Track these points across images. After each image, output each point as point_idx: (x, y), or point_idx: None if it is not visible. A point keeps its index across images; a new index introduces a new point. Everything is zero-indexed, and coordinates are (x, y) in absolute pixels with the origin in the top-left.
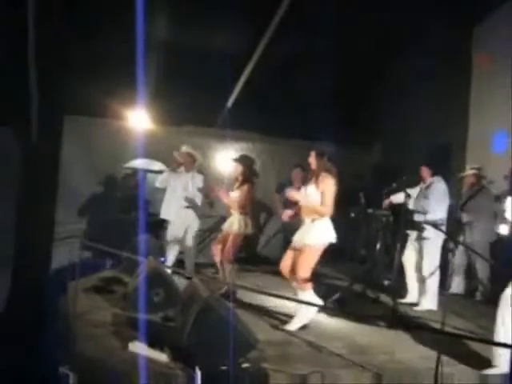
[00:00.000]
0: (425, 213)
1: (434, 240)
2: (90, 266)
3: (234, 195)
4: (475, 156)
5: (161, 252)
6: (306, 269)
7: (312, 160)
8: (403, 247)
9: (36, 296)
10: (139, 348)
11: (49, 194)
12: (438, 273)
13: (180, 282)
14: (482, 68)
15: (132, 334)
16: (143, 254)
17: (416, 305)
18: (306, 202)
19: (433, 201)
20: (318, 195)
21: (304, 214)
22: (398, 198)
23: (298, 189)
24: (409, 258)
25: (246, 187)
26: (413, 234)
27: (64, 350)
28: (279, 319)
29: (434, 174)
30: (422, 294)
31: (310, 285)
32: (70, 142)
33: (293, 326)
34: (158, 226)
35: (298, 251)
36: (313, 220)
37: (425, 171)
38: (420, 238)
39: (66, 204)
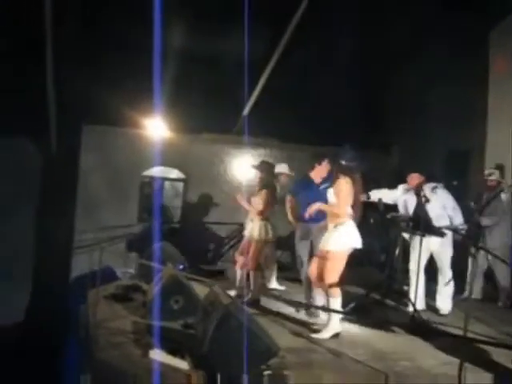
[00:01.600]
0: (443, 219)
1: (448, 244)
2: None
3: (255, 201)
4: (494, 161)
5: (179, 259)
6: (332, 275)
7: (327, 164)
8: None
9: (57, 304)
10: (160, 356)
11: (68, 202)
12: (451, 276)
13: (199, 290)
14: (500, 72)
15: (152, 341)
16: (161, 262)
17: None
18: (326, 207)
19: (448, 207)
20: (333, 198)
21: (328, 219)
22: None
23: (319, 185)
24: (423, 263)
25: (265, 193)
26: (426, 239)
27: (85, 358)
28: (302, 325)
29: (428, 180)
30: (439, 298)
31: (339, 291)
32: (88, 151)
33: (326, 334)
34: (175, 234)
35: (323, 258)
36: (335, 225)
37: (415, 178)
38: (433, 243)
39: (86, 212)
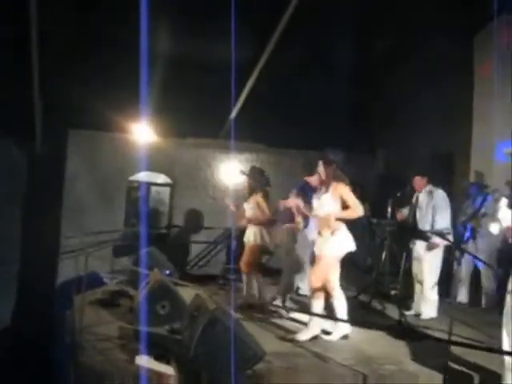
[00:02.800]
0: (428, 222)
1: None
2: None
3: (248, 208)
4: (479, 164)
5: (166, 264)
6: (317, 278)
7: (321, 169)
8: (409, 257)
9: (42, 309)
10: (146, 361)
11: (54, 207)
12: (436, 281)
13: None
14: (483, 77)
15: (138, 347)
16: (148, 267)
17: (419, 314)
18: (336, 214)
19: (436, 209)
20: (335, 203)
21: (321, 226)
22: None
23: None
24: (412, 267)
25: (257, 199)
26: (414, 244)
27: (71, 364)
28: (287, 330)
29: (428, 183)
30: (423, 303)
31: (321, 294)
32: (74, 155)
33: (304, 336)
34: (162, 239)
35: (321, 263)
36: (332, 232)
37: (418, 181)
38: (421, 247)
39: (72, 217)
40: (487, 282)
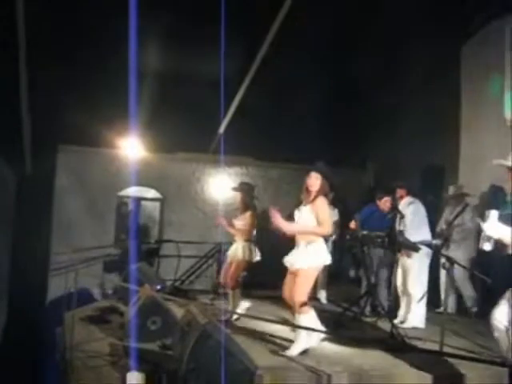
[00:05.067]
0: (411, 233)
1: (419, 259)
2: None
3: (238, 223)
4: (467, 175)
5: (157, 280)
6: (301, 292)
7: (312, 181)
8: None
9: (32, 327)
10: (137, 378)
11: (43, 223)
12: (424, 291)
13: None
14: (472, 89)
15: (130, 363)
16: (138, 283)
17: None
18: (300, 228)
19: (415, 220)
20: (312, 217)
21: (298, 236)
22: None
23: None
24: (398, 277)
25: (248, 215)
26: (400, 255)
27: (61, 381)
28: (279, 345)
29: (408, 194)
30: (409, 313)
31: (307, 308)
32: (63, 171)
33: (293, 351)
34: (152, 254)
35: (293, 275)
36: (308, 243)
37: (399, 192)
38: (406, 258)
39: (61, 234)
40: (465, 289)
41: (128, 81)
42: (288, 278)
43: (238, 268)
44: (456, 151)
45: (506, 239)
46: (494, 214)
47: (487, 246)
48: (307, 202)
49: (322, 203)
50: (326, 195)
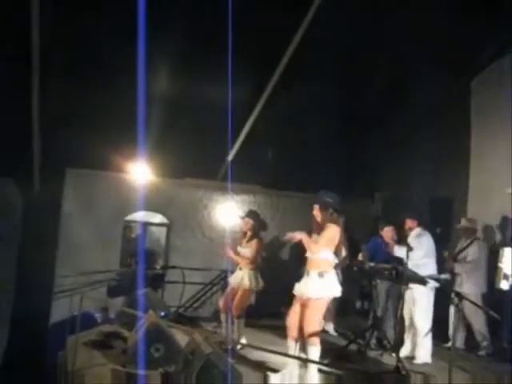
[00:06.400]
0: (419, 266)
1: (427, 292)
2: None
3: (244, 251)
4: (476, 208)
5: (162, 306)
6: (314, 323)
7: (316, 213)
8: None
9: (35, 350)
10: None
11: (49, 246)
12: (430, 325)
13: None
14: (482, 119)
15: None
16: (143, 309)
17: (412, 358)
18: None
19: (423, 253)
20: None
21: (310, 266)
22: (399, 251)
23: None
24: (405, 311)
25: (255, 243)
26: (406, 288)
27: None
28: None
29: (418, 226)
30: (417, 347)
31: (317, 340)
32: (70, 194)
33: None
34: (158, 280)
35: (303, 305)
36: (320, 274)
37: (408, 223)
38: (413, 291)
39: (67, 257)
40: (479, 327)
41: (137, 105)
42: (296, 307)
43: (243, 297)
44: (465, 182)
45: None
46: (509, 252)
47: (505, 285)
48: (319, 232)
49: (330, 229)
50: (335, 222)
